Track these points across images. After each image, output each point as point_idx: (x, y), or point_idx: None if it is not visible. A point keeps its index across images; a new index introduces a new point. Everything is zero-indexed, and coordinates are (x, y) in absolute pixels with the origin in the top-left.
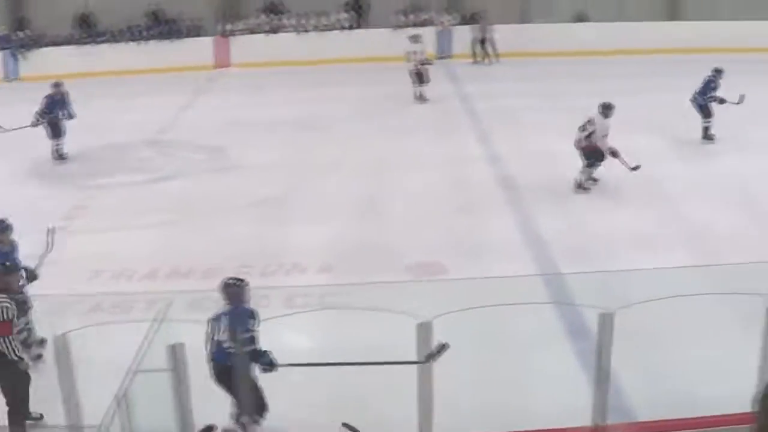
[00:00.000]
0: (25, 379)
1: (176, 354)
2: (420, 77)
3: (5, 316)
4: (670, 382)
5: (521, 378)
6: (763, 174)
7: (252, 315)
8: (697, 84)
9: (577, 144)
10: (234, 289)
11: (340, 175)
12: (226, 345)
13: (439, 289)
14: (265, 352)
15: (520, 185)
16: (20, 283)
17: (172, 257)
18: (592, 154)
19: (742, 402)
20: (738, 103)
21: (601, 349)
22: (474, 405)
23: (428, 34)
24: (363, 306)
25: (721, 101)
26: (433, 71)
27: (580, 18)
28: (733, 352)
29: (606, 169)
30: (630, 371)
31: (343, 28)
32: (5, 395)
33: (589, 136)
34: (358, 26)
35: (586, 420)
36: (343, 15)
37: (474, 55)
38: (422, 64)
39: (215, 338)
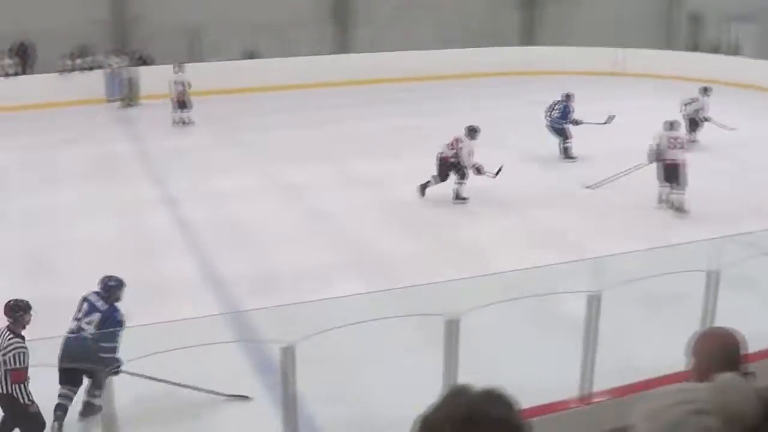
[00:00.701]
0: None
1: None
2: (182, 104)
3: (21, 362)
4: (358, 405)
5: (207, 415)
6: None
7: None
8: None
9: (441, 156)
10: None
11: (2, 229)
12: None
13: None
14: None
15: (198, 226)
16: None
17: None
18: (448, 167)
19: None
20: (605, 123)
21: (286, 380)
22: None
23: (97, 77)
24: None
25: (578, 123)
26: (102, 115)
27: (251, 55)
28: (418, 371)
29: (284, 208)
30: (317, 398)
31: (7, 74)
32: None
33: (456, 153)
34: (23, 72)
35: None
36: (7, 61)
37: (131, 98)
38: (183, 93)
39: None
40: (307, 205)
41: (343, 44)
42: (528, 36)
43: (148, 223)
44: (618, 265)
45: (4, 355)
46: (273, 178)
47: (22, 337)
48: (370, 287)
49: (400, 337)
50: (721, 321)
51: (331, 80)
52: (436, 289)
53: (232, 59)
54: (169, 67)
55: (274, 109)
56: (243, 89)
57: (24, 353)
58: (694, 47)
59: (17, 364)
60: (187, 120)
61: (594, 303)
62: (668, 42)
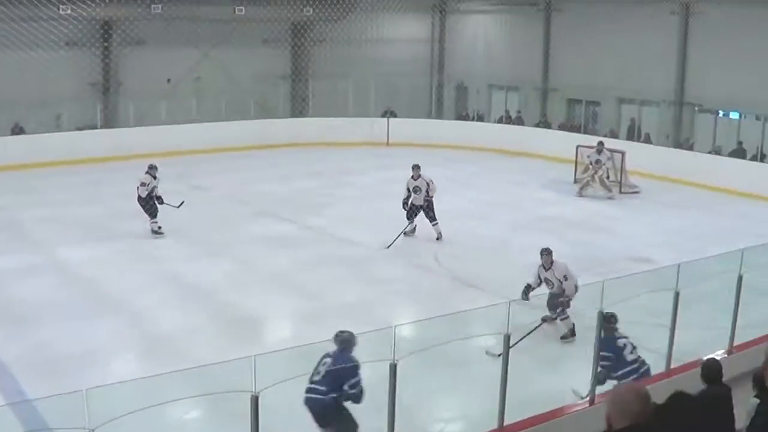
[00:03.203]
0: None
1: None
2: None
3: None
4: None
5: None
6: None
7: None
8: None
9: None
10: None
11: None
12: None
13: None
14: None
15: None
16: None
17: None
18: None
19: None
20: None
21: None
22: None
23: None
24: None
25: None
26: None
27: (16, 131)
28: None
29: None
30: None
31: None
32: None
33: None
34: None
35: None
36: None
37: None
38: None
39: None
40: (89, 283)
41: (110, 118)
42: (297, 108)
43: None
44: (411, 332)
45: None
46: (50, 257)
47: None
48: (158, 366)
49: (197, 418)
50: (517, 380)
51: (98, 155)
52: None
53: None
54: None
55: (47, 186)
56: (8, 166)
57: None
58: (459, 116)
59: None
60: None
61: (392, 371)
62: (436, 111)
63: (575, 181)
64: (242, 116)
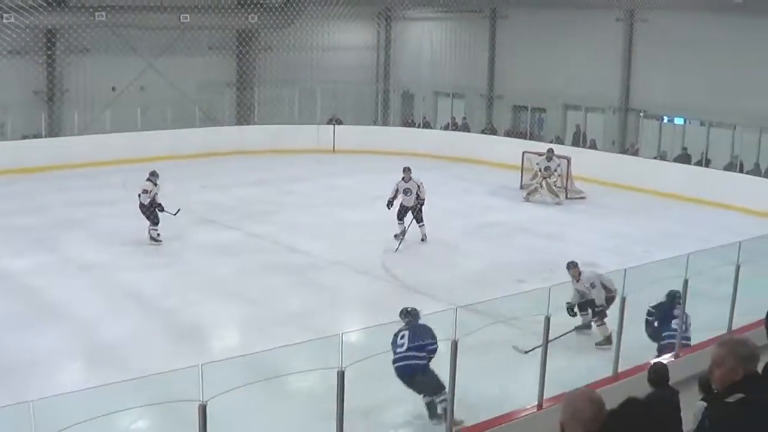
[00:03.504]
0: None
1: None
2: None
3: None
4: None
5: None
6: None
7: None
8: None
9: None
10: None
11: None
12: None
13: None
14: None
15: None
16: None
17: None
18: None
19: None
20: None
21: None
22: None
23: None
24: None
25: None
26: None
27: None
28: None
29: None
30: None
31: None
32: None
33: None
34: None
35: None
36: None
37: None
38: None
39: None
40: (32, 293)
41: (54, 126)
42: (243, 115)
43: None
44: (359, 340)
45: None
46: None
47: None
48: (104, 376)
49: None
50: (465, 383)
51: (42, 164)
52: (180, 375)
53: None
54: None
55: None
56: None
57: None
58: (406, 123)
59: None
60: None
61: (340, 379)
62: (382, 118)
63: (521, 187)
64: (188, 124)
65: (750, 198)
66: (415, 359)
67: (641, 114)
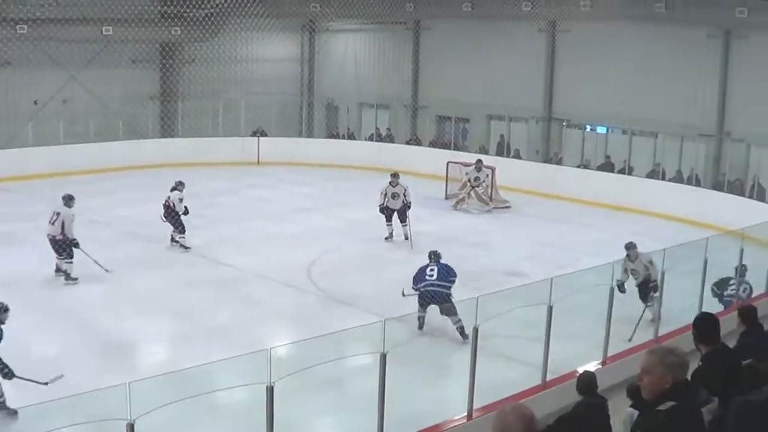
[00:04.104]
0: None
1: None
2: None
3: None
4: None
5: None
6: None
7: None
8: None
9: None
10: None
11: None
12: None
13: None
14: None
15: None
16: None
17: None
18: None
19: None
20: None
21: None
22: None
23: None
24: None
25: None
26: None
27: None
28: None
29: None
30: None
31: None
32: None
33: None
34: None
35: None
36: None
37: None
38: None
39: None
40: None
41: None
42: (167, 128)
43: None
44: (287, 353)
45: None
46: None
47: None
48: (30, 393)
49: None
50: (396, 397)
51: None
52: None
53: None
54: None
55: None
56: None
57: None
58: (330, 134)
59: None
60: None
61: (269, 394)
62: (307, 130)
63: (446, 197)
64: (111, 137)
65: (673, 204)
66: (443, 288)
67: (564, 123)
